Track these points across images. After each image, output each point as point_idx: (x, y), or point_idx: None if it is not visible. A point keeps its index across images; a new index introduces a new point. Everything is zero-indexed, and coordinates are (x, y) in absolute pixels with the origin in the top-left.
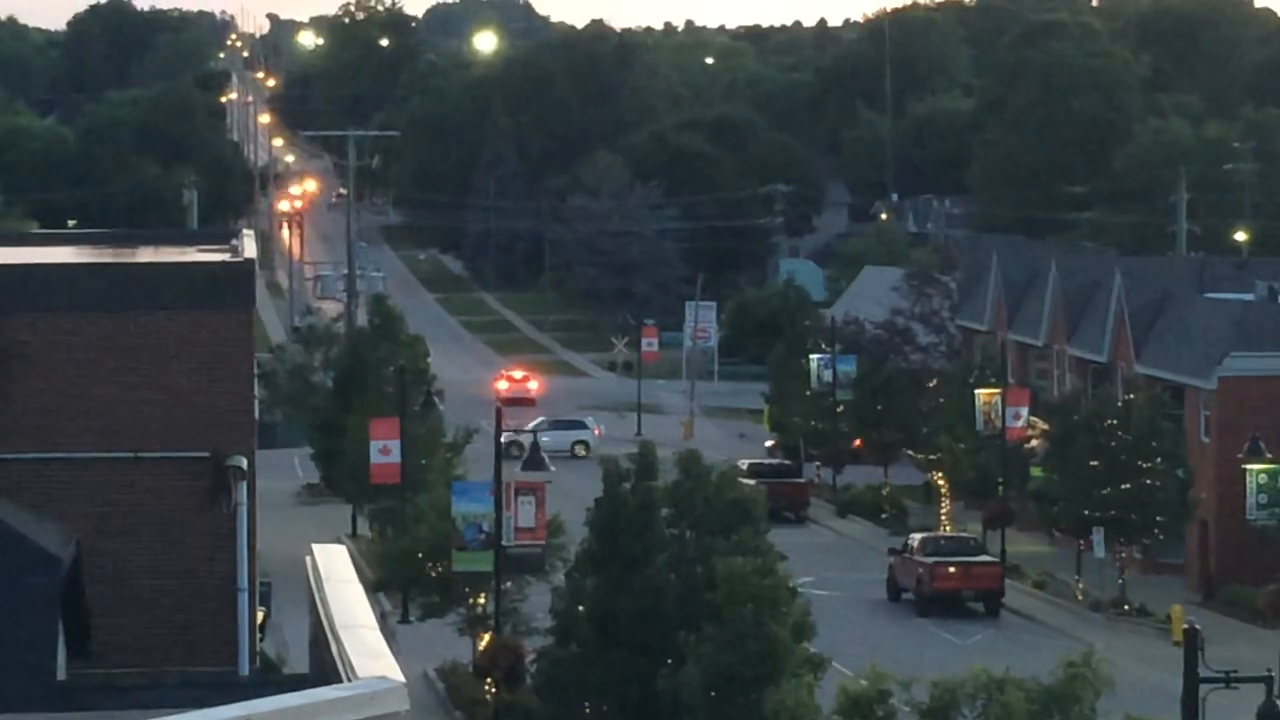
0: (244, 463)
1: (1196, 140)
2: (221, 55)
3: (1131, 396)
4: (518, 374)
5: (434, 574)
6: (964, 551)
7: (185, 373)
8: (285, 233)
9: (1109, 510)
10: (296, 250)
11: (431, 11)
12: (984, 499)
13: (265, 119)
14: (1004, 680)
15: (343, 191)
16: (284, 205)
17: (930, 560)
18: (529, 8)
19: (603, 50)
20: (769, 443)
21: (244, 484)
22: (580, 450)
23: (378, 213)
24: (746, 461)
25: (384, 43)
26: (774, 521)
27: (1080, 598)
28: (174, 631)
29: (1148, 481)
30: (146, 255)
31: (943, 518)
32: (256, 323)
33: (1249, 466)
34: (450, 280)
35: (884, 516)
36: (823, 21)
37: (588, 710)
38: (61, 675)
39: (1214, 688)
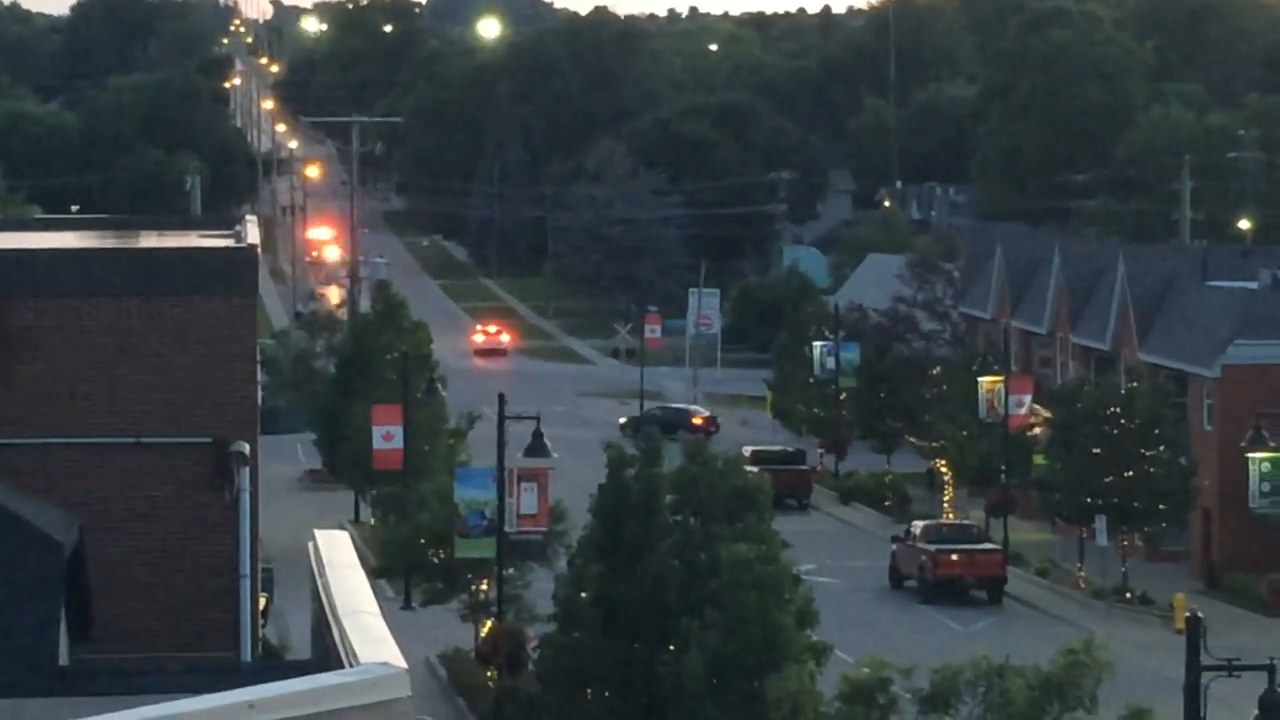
0: (246, 448)
1: (1200, 128)
2: (225, 41)
3: (1134, 384)
4: (492, 328)
5: (436, 560)
6: (966, 539)
7: (188, 358)
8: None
9: (1112, 498)
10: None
11: None
12: (987, 486)
13: (269, 105)
14: (1004, 667)
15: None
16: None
17: (933, 548)
18: None
19: (606, 37)
20: (621, 420)
21: (246, 470)
22: None
23: (381, 199)
24: (750, 448)
25: (388, 29)
26: (777, 508)
27: (1083, 586)
28: (176, 617)
29: (1150, 470)
30: (149, 241)
31: (945, 505)
32: (259, 308)
33: (1252, 455)
34: (453, 266)
35: (887, 504)
36: (827, 8)
37: (590, 696)
38: (64, 660)
39: (1216, 676)
